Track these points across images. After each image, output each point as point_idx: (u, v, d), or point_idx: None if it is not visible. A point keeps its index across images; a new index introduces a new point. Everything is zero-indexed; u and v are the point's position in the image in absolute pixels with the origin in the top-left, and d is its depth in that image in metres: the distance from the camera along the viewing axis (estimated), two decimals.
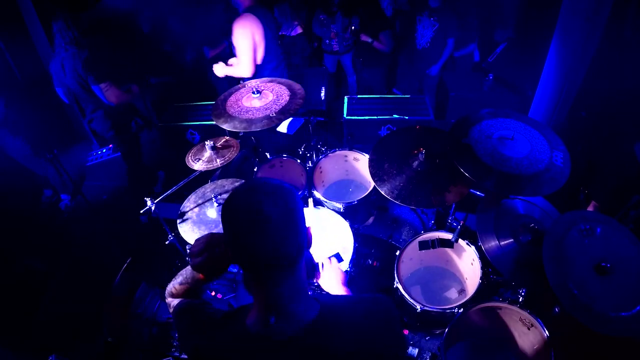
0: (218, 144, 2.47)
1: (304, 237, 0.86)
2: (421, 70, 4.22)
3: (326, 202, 2.67)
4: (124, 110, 3.23)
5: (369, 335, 0.89)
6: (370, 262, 2.83)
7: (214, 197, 2.40)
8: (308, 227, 0.89)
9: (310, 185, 2.80)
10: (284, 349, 0.84)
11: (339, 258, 1.60)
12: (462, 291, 2.41)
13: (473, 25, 4.25)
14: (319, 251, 2.32)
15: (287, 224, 0.80)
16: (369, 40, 4.28)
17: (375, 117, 3.86)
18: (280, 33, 4.52)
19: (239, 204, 0.81)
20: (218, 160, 2.38)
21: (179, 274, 1.13)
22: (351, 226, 2.45)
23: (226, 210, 0.82)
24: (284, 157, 3.05)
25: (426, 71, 4.18)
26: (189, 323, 0.97)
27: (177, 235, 2.39)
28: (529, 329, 1.94)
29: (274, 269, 0.82)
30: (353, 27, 4.30)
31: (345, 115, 3.93)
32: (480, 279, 2.13)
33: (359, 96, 4.19)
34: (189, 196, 2.52)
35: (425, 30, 3.90)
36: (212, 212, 2.37)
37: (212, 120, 2.51)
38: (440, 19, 3.80)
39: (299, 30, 4.50)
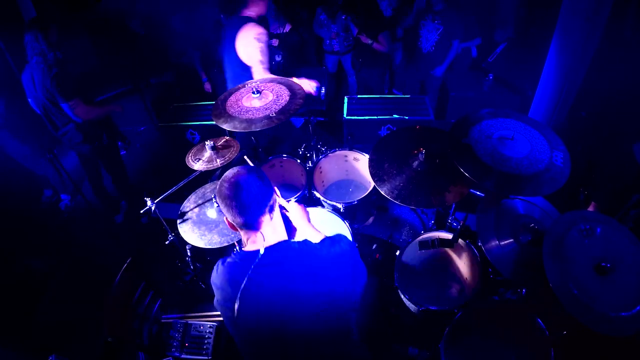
0: (218, 144, 2.47)
1: (272, 196, 1.34)
2: (426, 72, 4.22)
3: (326, 202, 2.67)
4: (96, 124, 3.15)
5: (326, 258, 1.29)
6: (372, 257, 2.83)
7: (214, 197, 2.40)
8: (274, 190, 1.38)
9: (310, 185, 2.80)
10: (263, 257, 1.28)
11: None
12: (462, 291, 2.41)
13: (473, 21, 4.24)
14: None
15: (258, 187, 1.28)
16: (369, 41, 4.28)
17: (375, 117, 3.86)
18: (271, 31, 4.53)
19: (225, 185, 1.28)
20: (218, 160, 2.38)
21: None
22: (351, 226, 2.45)
23: (219, 192, 1.29)
24: (284, 157, 3.05)
25: (430, 72, 4.18)
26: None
27: (177, 235, 2.39)
28: (529, 328, 1.94)
29: (257, 216, 1.28)
30: (351, 27, 4.31)
31: (345, 115, 3.93)
32: (481, 279, 2.13)
33: (359, 96, 4.19)
34: (189, 196, 2.52)
35: (430, 34, 3.89)
36: (212, 212, 2.37)
37: (212, 120, 2.51)
38: (444, 21, 3.79)
39: (289, 26, 4.50)
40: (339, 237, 1.37)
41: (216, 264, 1.36)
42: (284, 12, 4.46)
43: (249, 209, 1.25)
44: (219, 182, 1.28)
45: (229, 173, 1.30)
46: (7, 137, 3.67)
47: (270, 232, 1.31)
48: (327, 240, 1.37)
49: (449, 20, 3.79)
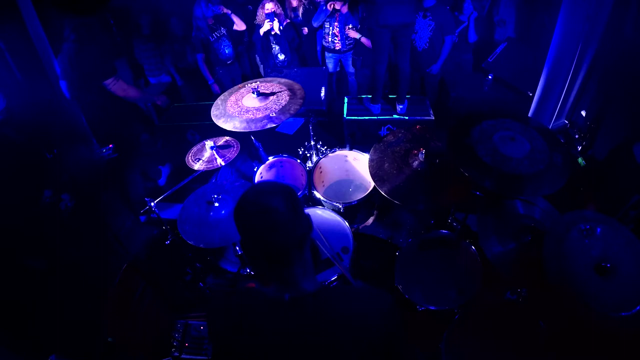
0: (218, 144, 2.47)
1: (307, 223, 1.03)
2: (423, 70, 4.22)
3: (326, 202, 2.67)
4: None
5: (363, 312, 1.02)
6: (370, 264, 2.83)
7: (213, 196, 2.39)
8: (308, 214, 1.06)
9: (310, 185, 2.80)
10: (293, 308, 0.99)
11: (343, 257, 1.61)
12: (462, 291, 2.41)
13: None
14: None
15: (291, 214, 0.96)
16: (358, 36, 4.28)
17: (375, 117, 3.87)
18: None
19: (249, 206, 0.97)
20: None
21: None
22: (351, 226, 2.46)
23: (239, 214, 0.98)
24: (284, 157, 3.05)
25: (427, 70, 4.19)
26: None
27: (177, 235, 2.39)
28: (529, 328, 1.94)
29: (287, 253, 0.97)
30: (351, 25, 4.30)
31: (345, 115, 3.93)
32: (481, 279, 2.13)
33: (359, 96, 4.19)
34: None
35: (422, 31, 3.90)
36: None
37: (212, 120, 2.51)
38: (435, 17, 3.80)
39: (287, 21, 4.49)
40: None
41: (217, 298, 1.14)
42: (283, 8, 4.46)
43: (276, 236, 0.96)
44: (240, 198, 1.01)
45: (255, 188, 1.02)
46: (7, 136, 3.66)
47: (298, 274, 1.01)
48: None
49: (439, 16, 3.80)
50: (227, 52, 4.44)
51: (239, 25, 4.36)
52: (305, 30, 4.62)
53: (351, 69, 4.73)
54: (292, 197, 1.00)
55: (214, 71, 4.53)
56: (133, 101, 3.24)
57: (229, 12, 4.25)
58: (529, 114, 3.54)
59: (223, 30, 4.32)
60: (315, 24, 4.43)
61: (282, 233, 0.95)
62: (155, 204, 2.31)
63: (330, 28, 4.36)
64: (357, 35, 4.27)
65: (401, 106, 3.80)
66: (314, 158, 3.21)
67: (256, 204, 0.96)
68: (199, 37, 4.27)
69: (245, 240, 1.01)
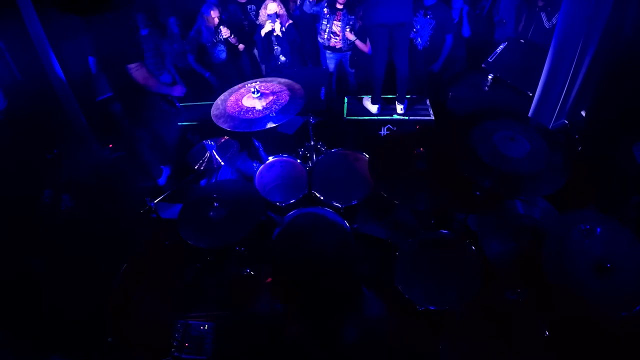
0: (218, 144, 2.47)
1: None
2: (423, 70, 4.22)
3: (326, 202, 2.67)
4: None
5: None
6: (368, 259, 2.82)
7: (214, 195, 2.39)
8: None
9: (310, 185, 2.80)
10: None
11: None
12: (462, 291, 2.41)
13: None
14: None
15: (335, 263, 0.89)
16: (353, 38, 4.27)
17: (375, 117, 3.87)
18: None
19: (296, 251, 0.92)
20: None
21: None
22: (351, 226, 2.45)
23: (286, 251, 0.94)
24: (284, 157, 3.05)
25: (428, 68, 4.19)
26: None
27: (177, 235, 2.39)
28: (529, 328, 1.94)
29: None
30: (349, 29, 4.30)
31: (345, 115, 3.94)
32: (480, 278, 2.13)
33: (359, 96, 4.19)
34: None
35: (423, 29, 3.90)
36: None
37: (212, 120, 2.51)
38: (436, 15, 3.80)
39: (289, 22, 4.49)
40: None
41: None
42: (286, 8, 4.45)
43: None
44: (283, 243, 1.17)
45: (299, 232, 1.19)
46: (7, 136, 3.67)
47: None
48: None
49: (440, 14, 3.80)
50: (222, 56, 4.47)
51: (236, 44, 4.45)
52: (298, 1, 4.56)
53: (351, 69, 4.73)
54: (341, 236, 1.02)
55: (209, 68, 4.59)
56: (150, 90, 3.23)
57: (231, 37, 4.34)
58: (529, 114, 3.54)
59: (221, 36, 4.34)
60: (306, 9, 4.42)
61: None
62: (155, 204, 2.31)
63: (328, 25, 4.33)
64: (352, 37, 4.27)
65: (401, 106, 3.80)
66: (314, 158, 3.22)
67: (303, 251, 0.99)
68: (197, 39, 4.28)
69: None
